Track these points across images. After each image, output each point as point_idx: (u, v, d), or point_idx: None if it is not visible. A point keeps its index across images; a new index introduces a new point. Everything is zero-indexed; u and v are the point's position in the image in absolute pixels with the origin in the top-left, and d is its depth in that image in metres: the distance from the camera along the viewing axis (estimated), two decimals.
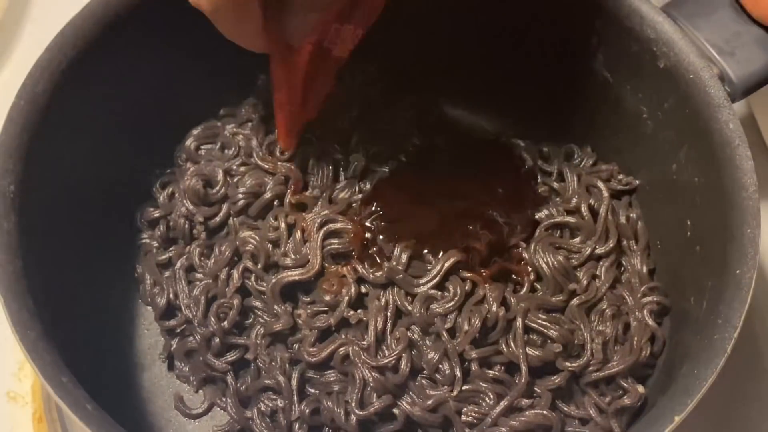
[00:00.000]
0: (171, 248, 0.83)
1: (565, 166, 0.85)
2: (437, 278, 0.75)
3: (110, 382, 0.77)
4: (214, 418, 0.79)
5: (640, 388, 0.75)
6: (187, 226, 0.82)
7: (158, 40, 0.81)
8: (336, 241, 0.77)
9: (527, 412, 0.73)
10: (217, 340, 0.77)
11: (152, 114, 0.84)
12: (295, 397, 0.75)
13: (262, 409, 0.76)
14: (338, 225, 0.78)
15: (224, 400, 0.78)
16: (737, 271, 0.64)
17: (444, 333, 0.73)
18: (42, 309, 0.64)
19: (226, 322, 0.77)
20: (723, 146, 0.70)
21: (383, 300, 0.75)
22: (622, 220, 0.83)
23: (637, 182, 0.85)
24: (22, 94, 0.70)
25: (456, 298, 0.74)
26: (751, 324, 0.87)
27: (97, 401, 0.65)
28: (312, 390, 0.76)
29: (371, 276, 0.76)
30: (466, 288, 0.75)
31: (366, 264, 0.77)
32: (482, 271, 0.77)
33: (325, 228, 0.77)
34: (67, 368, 0.60)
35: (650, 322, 0.77)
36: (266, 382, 0.76)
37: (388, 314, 0.74)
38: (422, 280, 0.75)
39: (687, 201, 0.76)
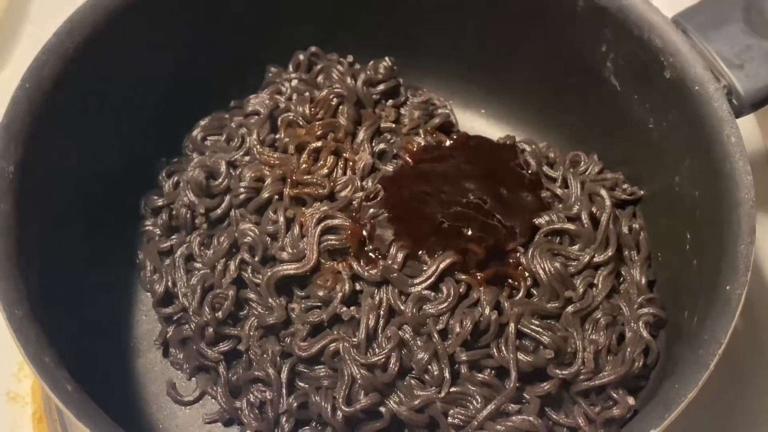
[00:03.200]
0: (173, 237, 0.84)
1: (570, 172, 0.84)
2: (432, 279, 0.75)
3: (104, 365, 0.79)
4: (205, 406, 0.80)
5: (630, 400, 0.74)
6: (189, 216, 0.82)
7: (168, 30, 0.83)
8: (333, 237, 0.78)
9: (514, 418, 0.73)
10: (211, 329, 0.78)
11: (161, 103, 0.85)
12: (284, 390, 0.75)
13: (251, 400, 0.77)
14: (336, 221, 0.78)
15: (215, 389, 0.79)
16: (727, 287, 0.64)
17: (435, 334, 0.73)
18: (34, 290, 0.65)
19: (220, 313, 0.78)
20: (723, 160, 0.69)
21: (377, 298, 0.75)
22: (625, 229, 0.82)
23: (642, 192, 0.84)
24: (28, 77, 0.71)
25: (449, 300, 0.74)
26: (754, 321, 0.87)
27: (89, 383, 0.66)
28: (302, 384, 0.76)
29: (366, 273, 0.76)
30: (461, 290, 0.75)
31: (362, 261, 0.77)
32: (478, 274, 0.76)
33: (323, 224, 0.78)
34: (52, 348, 0.61)
35: (645, 333, 0.76)
36: (256, 373, 0.76)
37: (381, 312, 0.74)
38: (417, 280, 0.75)
39: (687, 214, 0.75)
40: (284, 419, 0.76)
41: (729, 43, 0.76)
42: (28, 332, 0.61)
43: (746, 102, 0.75)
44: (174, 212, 0.83)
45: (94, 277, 0.79)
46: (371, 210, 0.79)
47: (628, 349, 0.76)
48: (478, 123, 0.96)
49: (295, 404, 0.75)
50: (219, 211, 0.82)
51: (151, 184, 0.86)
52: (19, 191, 0.67)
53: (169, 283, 0.81)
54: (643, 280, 0.80)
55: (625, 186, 0.85)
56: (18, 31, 1.02)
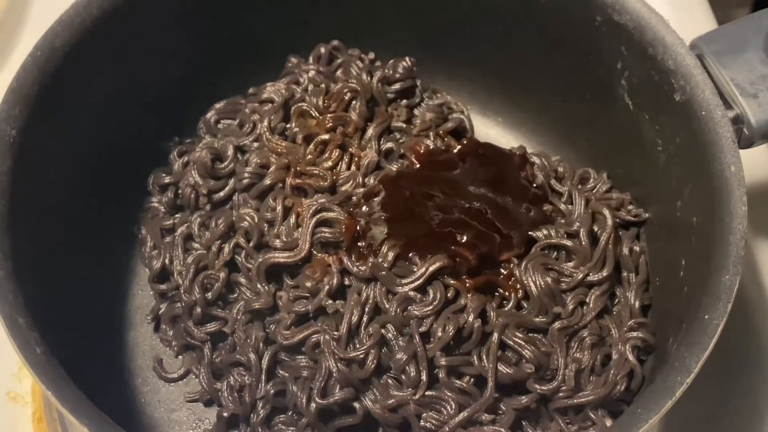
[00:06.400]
0: (176, 215, 0.85)
1: (575, 189, 0.83)
2: (420, 280, 0.75)
3: (95, 334, 0.80)
4: (188, 384, 0.81)
5: (608, 422, 0.73)
6: (193, 195, 0.83)
7: (194, 10, 0.83)
8: (327, 229, 0.78)
9: (486, 428, 0.72)
10: (199, 309, 0.79)
11: (179, 85, 0.86)
12: (263, 377, 0.76)
13: (231, 383, 0.77)
14: (332, 214, 0.78)
15: (199, 368, 0.80)
16: (705, 317, 0.63)
17: (417, 336, 0.73)
18: (20, 254, 0.65)
19: (210, 294, 0.79)
20: (720, 189, 0.68)
21: (363, 295, 0.75)
22: (626, 251, 0.81)
23: (647, 215, 0.83)
24: (40, 45, 0.72)
25: (434, 303, 0.74)
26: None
27: (76, 350, 0.68)
28: (282, 372, 0.77)
29: (355, 269, 0.76)
30: (448, 295, 0.75)
31: (353, 256, 0.77)
32: (468, 280, 0.76)
33: (318, 215, 0.78)
34: (26, 310, 0.62)
35: (631, 357, 0.75)
36: (238, 357, 0.77)
37: (366, 309, 0.75)
38: (405, 281, 0.75)
39: (685, 240, 0.74)
40: (260, 405, 0.76)
41: (745, 70, 0.74)
42: (7, 293, 0.62)
43: (758, 132, 0.73)
44: (179, 191, 0.84)
45: (91, 247, 0.80)
46: (367, 207, 0.79)
47: (612, 371, 0.75)
48: (494, 131, 0.96)
49: (272, 391, 0.75)
50: (222, 193, 0.83)
51: (157, 162, 0.87)
52: (18, 156, 0.68)
53: (167, 261, 0.82)
54: (637, 304, 0.79)
55: (630, 207, 0.84)
56: (18, 31, 1.04)
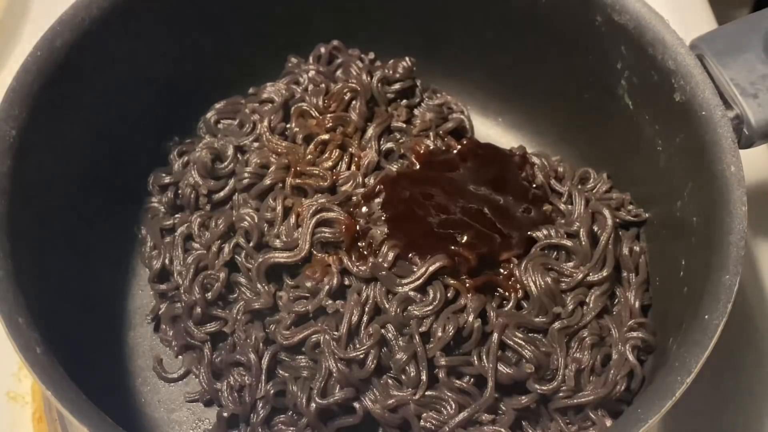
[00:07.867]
0: (176, 215, 0.85)
1: (575, 189, 0.83)
2: (420, 280, 0.75)
3: (95, 334, 0.80)
4: (188, 384, 0.81)
5: (608, 422, 0.73)
6: (193, 195, 0.83)
7: (194, 10, 0.83)
8: (327, 230, 0.78)
9: (486, 428, 0.72)
10: (199, 309, 0.79)
11: (179, 85, 0.86)
12: (263, 377, 0.76)
13: (231, 383, 0.77)
14: (332, 214, 0.78)
15: (199, 368, 0.80)
16: (706, 317, 0.63)
17: (417, 336, 0.73)
18: (19, 254, 0.65)
19: (210, 294, 0.79)
20: (720, 189, 0.68)
21: (363, 295, 0.75)
22: (626, 251, 0.81)
23: (647, 215, 0.83)
24: (40, 45, 0.72)
25: (434, 303, 0.74)
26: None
27: (76, 350, 0.68)
28: (282, 372, 0.77)
29: (355, 269, 0.76)
30: (448, 295, 0.75)
31: (353, 256, 0.77)
32: (468, 280, 0.76)
33: (318, 216, 0.78)
34: (26, 310, 0.62)
35: (631, 357, 0.75)
36: (238, 357, 0.77)
37: (366, 309, 0.75)
38: (405, 281, 0.75)
39: (684, 240, 0.74)
40: (260, 405, 0.76)
41: (745, 70, 0.75)
42: (6, 294, 0.62)
43: (758, 132, 0.73)
44: (179, 191, 0.84)
45: (91, 247, 0.80)
46: (367, 207, 0.79)
47: (612, 371, 0.75)
48: (494, 131, 0.96)
49: (272, 391, 0.75)
50: (222, 193, 0.83)
51: (157, 162, 0.87)
52: (18, 155, 0.68)
53: (166, 261, 0.82)
54: (637, 304, 0.79)
55: (630, 207, 0.84)
56: (18, 31, 1.04)
